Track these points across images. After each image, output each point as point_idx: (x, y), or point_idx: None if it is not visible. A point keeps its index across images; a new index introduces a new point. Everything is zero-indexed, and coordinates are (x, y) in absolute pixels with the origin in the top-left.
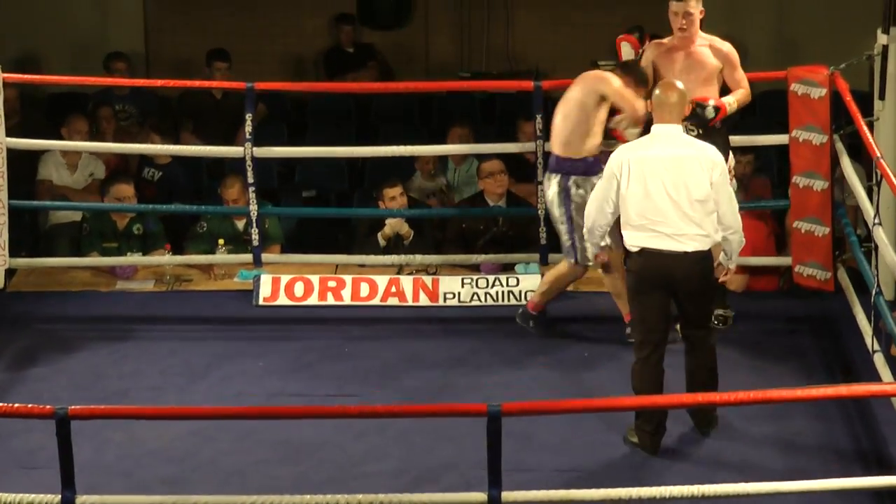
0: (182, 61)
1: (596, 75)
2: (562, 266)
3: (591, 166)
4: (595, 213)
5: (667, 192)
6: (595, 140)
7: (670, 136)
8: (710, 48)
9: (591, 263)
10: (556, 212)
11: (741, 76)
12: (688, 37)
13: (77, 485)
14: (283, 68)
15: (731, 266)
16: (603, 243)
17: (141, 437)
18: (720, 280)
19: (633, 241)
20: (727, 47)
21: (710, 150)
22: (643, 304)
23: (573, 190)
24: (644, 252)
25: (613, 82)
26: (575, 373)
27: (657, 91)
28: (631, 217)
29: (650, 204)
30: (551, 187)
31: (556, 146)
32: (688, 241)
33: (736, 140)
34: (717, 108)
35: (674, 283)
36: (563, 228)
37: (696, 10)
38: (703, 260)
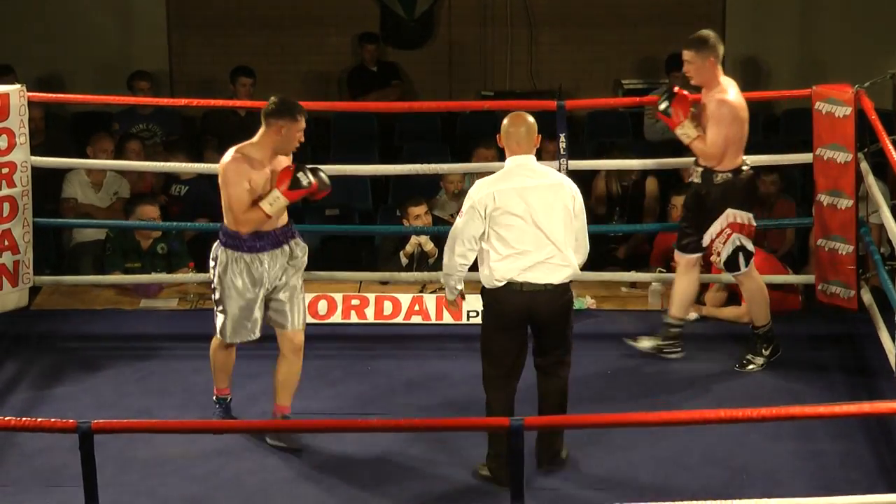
0: (206, 80)
1: None
2: None
3: None
4: (455, 250)
5: (533, 222)
6: None
7: (527, 168)
8: (713, 99)
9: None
10: None
11: (713, 134)
12: (697, 84)
13: (101, 503)
14: (307, 87)
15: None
16: (459, 286)
17: (165, 456)
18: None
19: (499, 274)
20: (716, 103)
21: (567, 179)
22: (502, 341)
23: None
24: (509, 286)
25: None
26: (597, 389)
27: (506, 123)
28: (496, 249)
29: (516, 235)
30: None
31: None
32: (554, 271)
33: (760, 159)
34: (666, 112)
35: (537, 315)
36: None
37: (695, 59)
38: (566, 291)
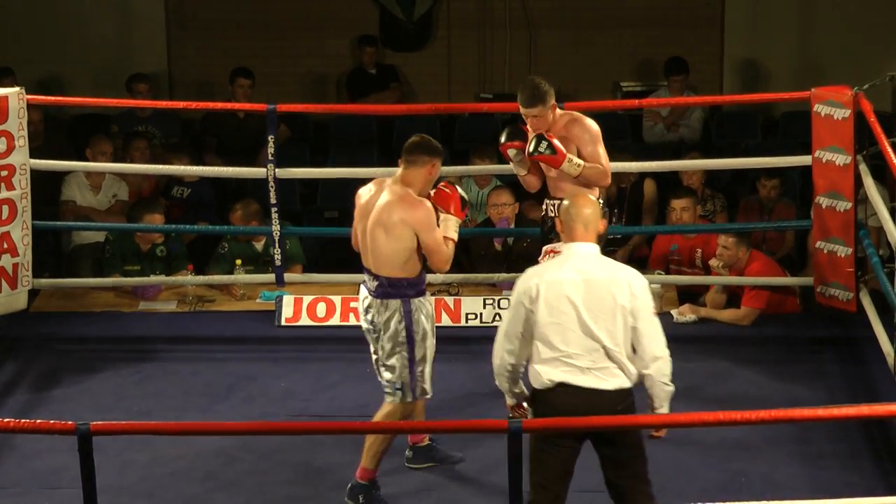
0: (205, 83)
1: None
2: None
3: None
4: (502, 348)
5: (581, 322)
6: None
7: (584, 257)
8: (571, 128)
9: (429, 397)
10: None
11: (595, 152)
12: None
13: None
14: (306, 90)
15: (662, 411)
16: (516, 388)
17: (163, 458)
18: (654, 436)
19: (546, 376)
20: (573, 124)
21: (628, 273)
22: (545, 455)
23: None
24: (558, 389)
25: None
26: None
27: (567, 203)
28: (541, 349)
29: (562, 333)
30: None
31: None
32: (608, 376)
33: (760, 162)
34: (550, 147)
35: (589, 437)
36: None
37: (543, 111)
38: (627, 398)
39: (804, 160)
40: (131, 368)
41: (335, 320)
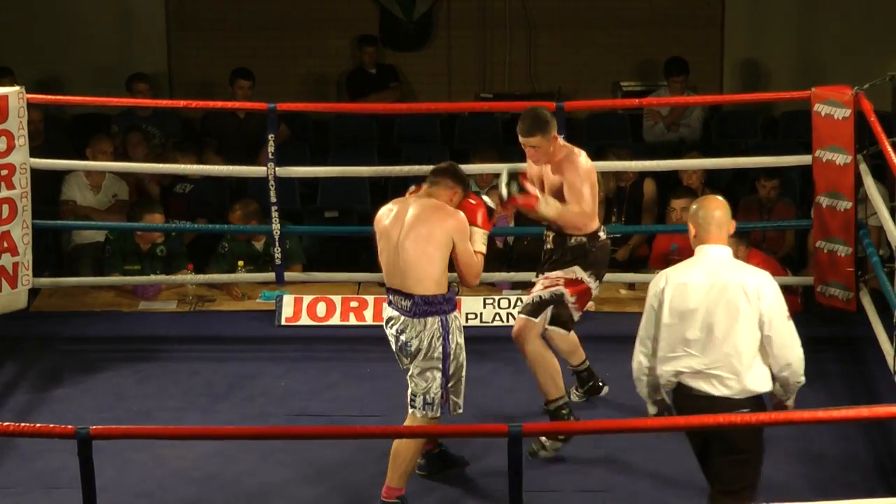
0: (205, 82)
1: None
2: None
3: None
4: (637, 351)
5: (703, 323)
6: None
7: (716, 262)
8: (564, 163)
9: (460, 412)
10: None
11: (579, 192)
12: (542, 163)
13: None
14: (306, 89)
15: (788, 403)
16: (657, 395)
17: (163, 458)
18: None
19: (665, 375)
20: (566, 165)
21: (759, 278)
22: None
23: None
24: (679, 390)
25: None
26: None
27: (696, 207)
28: (664, 348)
29: (683, 333)
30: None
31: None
32: (720, 383)
33: (760, 161)
34: (519, 188)
35: (706, 435)
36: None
37: (542, 142)
38: (741, 407)
39: (804, 160)
40: (131, 368)
41: (335, 320)
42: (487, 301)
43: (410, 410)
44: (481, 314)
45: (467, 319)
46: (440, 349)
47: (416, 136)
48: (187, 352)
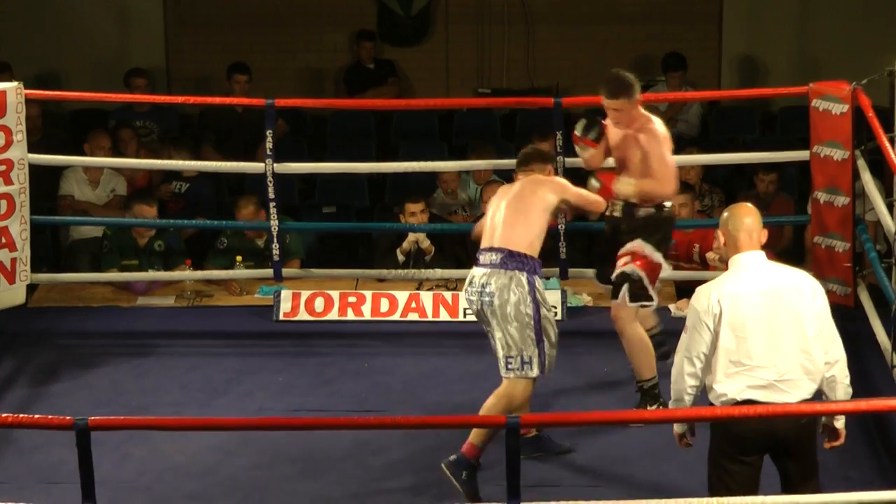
0: (203, 78)
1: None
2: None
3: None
4: (683, 370)
5: (765, 333)
6: None
7: (758, 268)
8: (642, 132)
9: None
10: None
11: (657, 171)
12: (623, 128)
13: (98, 499)
14: (304, 85)
15: (839, 423)
16: None
17: (162, 452)
18: (828, 446)
19: (730, 393)
20: (646, 140)
21: (805, 278)
22: (730, 473)
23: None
24: (742, 406)
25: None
26: (595, 387)
27: (727, 214)
28: (723, 366)
29: (746, 347)
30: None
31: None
32: (794, 388)
33: (758, 156)
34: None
35: (776, 442)
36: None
37: (625, 106)
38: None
39: (802, 155)
40: (129, 363)
41: (333, 315)
42: None
43: (505, 374)
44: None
45: (466, 315)
46: (531, 306)
47: (414, 131)
48: (185, 347)
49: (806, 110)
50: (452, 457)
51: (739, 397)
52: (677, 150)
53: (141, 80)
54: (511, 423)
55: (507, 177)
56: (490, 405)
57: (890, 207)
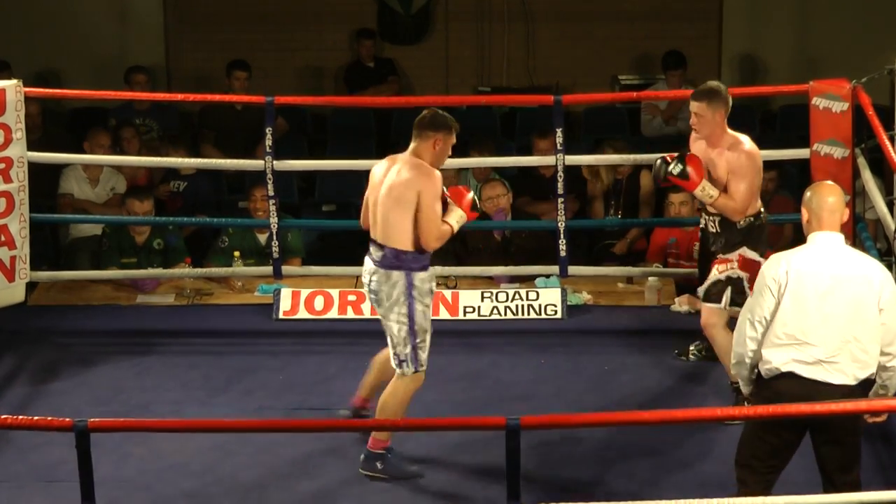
0: (203, 76)
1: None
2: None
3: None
4: (745, 333)
5: (825, 313)
6: None
7: (833, 249)
8: (727, 152)
9: (423, 368)
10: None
11: (737, 187)
12: (701, 137)
13: (97, 499)
14: (303, 83)
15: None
16: (754, 375)
17: (161, 451)
18: (871, 421)
19: (774, 361)
20: (735, 155)
21: (875, 267)
22: (766, 442)
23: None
24: (784, 378)
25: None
26: (595, 386)
27: (810, 194)
28: (776, 333)
29: (801, 322)
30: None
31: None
32: (839, 371)
33: None
34: (684, 174)
35: (814, 421)
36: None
37: (706, 111)
38: (854, 395)
39: (802, 153)
40: (129, 361)
41: (333, 313)
42: (485, 295)
43: (395, 369)
44: (479, 308)
45: (465, 313)
46: (406, 306)
47: None
48: (185, 345)
49: (806, 108)
50: (361, 457)
51: (784, 368)
52: (677, 148)
53: (141, 76)
54: (511, 424)
55: (507, 175)
56: (382, 401)
57: (890, 206)
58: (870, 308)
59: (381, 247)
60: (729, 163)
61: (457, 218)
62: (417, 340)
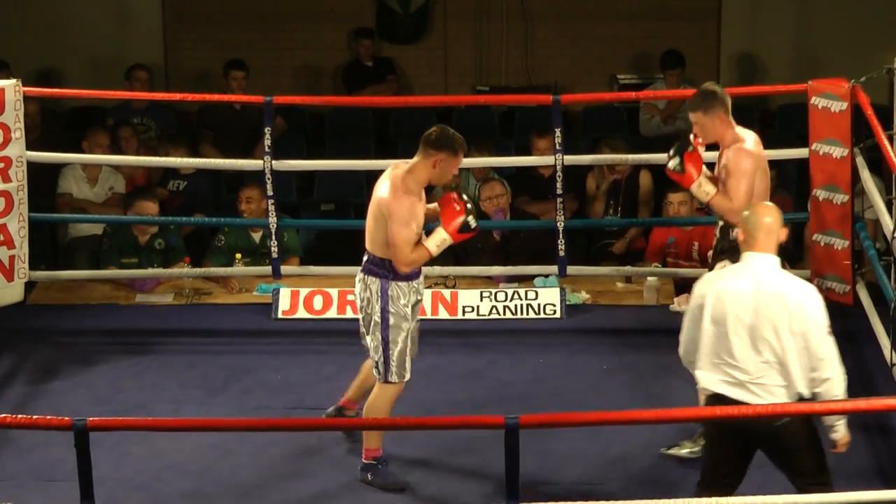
0: (201, 75)
1: None
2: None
3: None
4: (682, 349)
5: (747, 334)
6: None
7: (762, 271)
8: (727, 150)
9: (406, 378)
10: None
11: (734, 186)
12: (709, 143)
13: (96, 498)
14: (302, 82)
15: (836, 435)
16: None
17: (160, 451)
18: (834, 450)
19: (703, 382)
20: (734, 153)
21: (802, 290)
22: (715, 454)
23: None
24: (715, 399)
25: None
26: (594, 386)
27: (747, 213)
28: (705, 355)
29: (724, 343)
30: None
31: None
32: (765, 393)
33: None
34: (679, 168)
35: (750, 441)
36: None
37: (702, 119)
38: (783, 417)
39: (801, 153)
40: (128, 361)
41: (331, 313)
42: (484, 294)
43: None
44: (478, 307)
45: (464, 313)
46: (379, 313)
47: (413, 128)
48: (184, 345)
49: (805, 108)
50: (359, 467)
51: (712, 389)
52: None
53: (143, 73)
54: (510, 423)
55: (506, 175)
56: (366, 406)
57: (889, 205)
58: (787, 332)
59: (366, 252)
60: (727, 160)
61: (438, 241)
62: (389, 351)
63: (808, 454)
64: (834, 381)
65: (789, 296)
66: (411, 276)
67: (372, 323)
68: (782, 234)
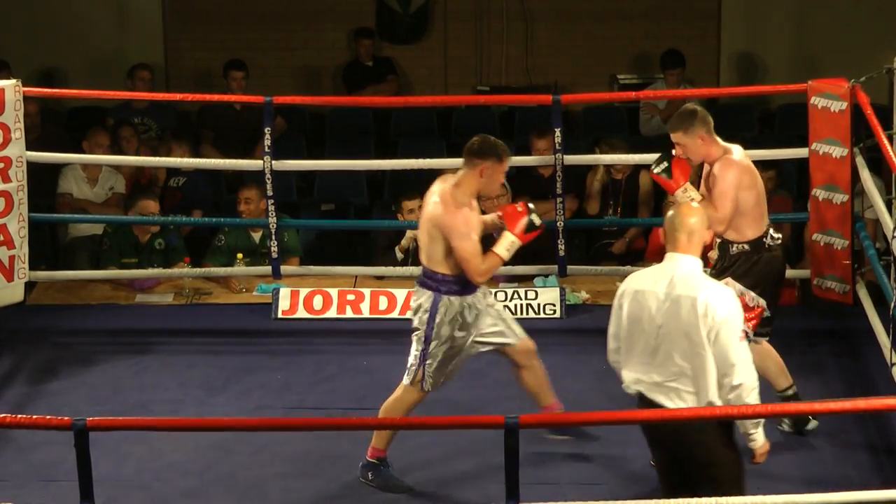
0: (201, 75)
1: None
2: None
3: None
4: (608, 347)
5: (657, 334)
6: None
7: (680, 272)
8: (716, 164)
9: (427, 391)
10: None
11: (719, 196)
12: (697, 163)
13: (96, 497)
14: (302, 82)
15: (753, 444)
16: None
17: (160, 451)
18: (754, 461)
19: (625, 380)
20: (720, 165)
21: (714, 294)
22: (653, 455)
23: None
24: (637, 398)
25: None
26: (594, 385)
27: (671, 213)
28: (627, 353)
29: (640, 343)
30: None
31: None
32: (676, 396)
33: (756, 154)
34: (666, 173)
35: (665, 445)
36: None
37: (684, 139)
38: (698, 422)
39: (801, 153)
40: (128, 361)
41: (332, 313)
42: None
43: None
44: None
45: None
46: (426, 325)
47: (413, 129)
48: (184, 345)
49: (804, 108)
50: (360, 464)
51: (631, 387)
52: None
53: (145, 72)
54: (509, 423)
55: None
56: (384, 405)
57: (889, 205)
58: (695, 336)
59: (422, 264)
60: (715, 170)
61: (507, 245)
62: (428, 361)
63: (728, 479)
64: (745, 388)
65: (700, 299)
66: (464, 291)
67: (418, 331)
68: (707, 235)
